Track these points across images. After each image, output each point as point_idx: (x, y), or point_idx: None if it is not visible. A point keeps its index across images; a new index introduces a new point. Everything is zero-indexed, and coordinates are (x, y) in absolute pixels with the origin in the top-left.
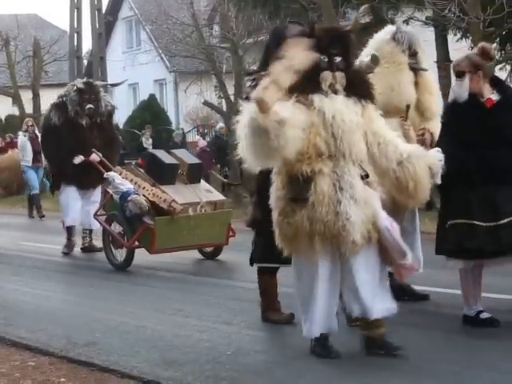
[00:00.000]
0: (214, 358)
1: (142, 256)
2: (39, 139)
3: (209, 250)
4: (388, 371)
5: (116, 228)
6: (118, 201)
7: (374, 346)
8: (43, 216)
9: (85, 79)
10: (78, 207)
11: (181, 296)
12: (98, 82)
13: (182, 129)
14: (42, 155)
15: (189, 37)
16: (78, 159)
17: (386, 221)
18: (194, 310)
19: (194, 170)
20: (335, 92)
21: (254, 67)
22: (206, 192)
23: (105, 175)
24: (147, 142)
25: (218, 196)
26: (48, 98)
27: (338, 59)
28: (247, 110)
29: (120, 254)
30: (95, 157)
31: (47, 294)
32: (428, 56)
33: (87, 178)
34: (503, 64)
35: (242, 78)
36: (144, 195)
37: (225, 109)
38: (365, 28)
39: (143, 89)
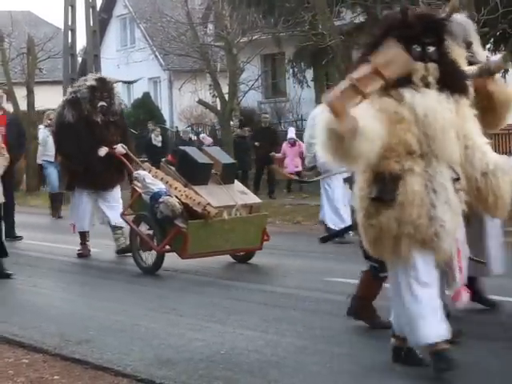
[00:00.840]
0: (207, 357)
1: None
2: None
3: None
4: (381, 372)
5: (144, 229)
6: (148, 201)
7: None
8: (60, 217)
9: (97, 75)
10: (88, 211)
11: (175, 295)
12: (112, 79)
13: (176, 127)
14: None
15: (183, 35)
16: (103, 151)
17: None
18: (187, 308)
19: (228, 169)
20: (427, 85)
21: (247, 66)
22: (240, 194)
23: (134, 174)
24: (156, 138)
25: (253, 198)
26: (42, 96)
27: (431, 49)
28: (325, 109)
29: (148, 257)
30: (121, 149)
31: (42, 292)
32: None
33: (102, 178)
34: None
35: (236, 76)
36: (176, 196)
37: (219, 107)
38: (358, 28)
39: (137, 87)
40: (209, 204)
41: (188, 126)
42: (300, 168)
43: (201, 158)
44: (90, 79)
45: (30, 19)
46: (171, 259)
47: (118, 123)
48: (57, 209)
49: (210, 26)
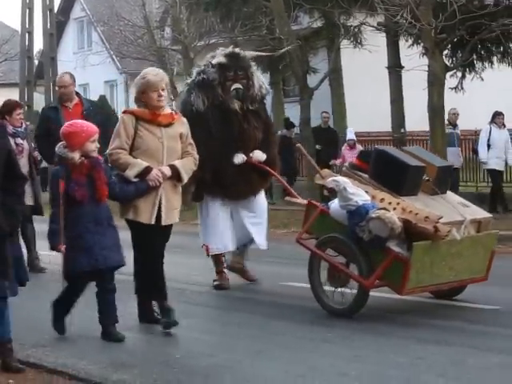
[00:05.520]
0: (162, 361)
1: None
2: None
3: None
4: (337, 377)
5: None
6: (347, 218)
7: None
8: None
9: (229, 49)
10: (227, 227)
11: (130, 298)
12: (248, 53)
13: None
14: None
15: (140, 38)
16: (240, 158)
17: None
18: None
19: (443, 174)
20: None
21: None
22: (462, 206)
23: (330, 181)
24: None
25: (480, 212)
26: None
27: None
28: None
29: (334, 294)
30: (261, 155)
31: None
32: (379, 62)
33: (240, 184)
34: (454, 71)
35: None
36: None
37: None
38: (315, 32)
39: (94, 90)
40: (440, 219)
41: None
42: None
43: (410, 160)
44: (219, 55)
45: None
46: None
47: (261, 113)
48: None
49: (168, 30)
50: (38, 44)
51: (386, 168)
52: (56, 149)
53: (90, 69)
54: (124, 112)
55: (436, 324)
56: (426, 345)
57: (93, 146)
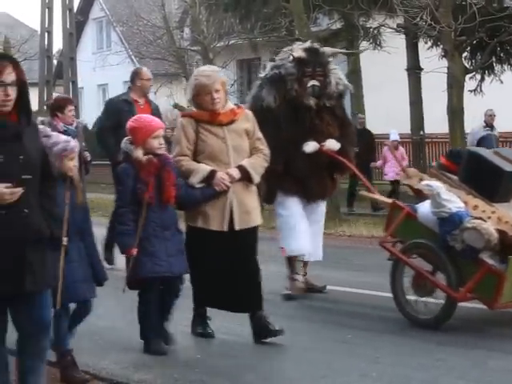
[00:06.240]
0: (183, 361)
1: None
2: None
3: None
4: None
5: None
6: (438, 225)
7: None
8: None
9: (307, 44)
10: (306, 228)
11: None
12: (327, 49)
13: None
14: None
15: (159, 39)
16: (311, 146)
17: None
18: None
19: None
20: None
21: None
22: None
23: (422, 185)
24: None
25: None
26: None
27: None
28: None
29: (417, 303)
30: (334, 144)
31: None
32: (398, 64)
33: (315, 185)
34: (473, 73)
35: None
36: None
37: None
38: (335, 34)
39: (112, 90)
40: None
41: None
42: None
43: (505, 165)
44: (298, 49)
45: (6, 21)
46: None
47: (337, 111)
48: None
49: (187, 31)
50: (58, 44)
51: (478, 171)
52: (122, 144)
53: (109, 69)
54: (182, 116)
55: (456, 326)
56: (446, 347)
57: (155, 143)
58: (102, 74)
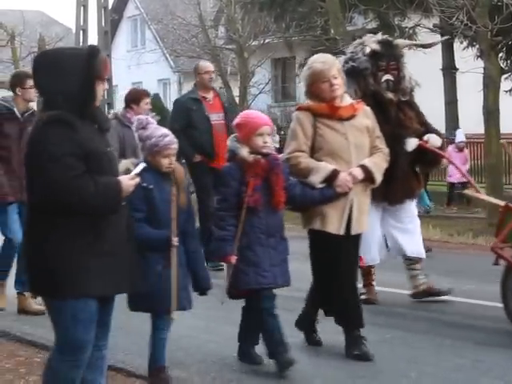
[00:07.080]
0: (220, 359)
1: None
2: None
3: None
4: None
5: None
6: None
7: None
8: None
9: (380, 36)
10: (376, 237)
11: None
12: (400, 41)
13: None
14: None
15: (194, 37)
16: (413, 143)
17: None
18: (201, 311)
19: None
20: None
21: (257, 69)
22: None
23: None
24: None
25: None
26: None
27: None
28: None
29: None
30: (436, 139)
31: None
32: (434, 63)
33: (397, 183)
34: (509, 74)
35: (246, 79)
36: None
37: None
38: (371, 33)
39: (147, 88)
40: None
41: None
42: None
43: None
44: (371, 41)
45: (41, 19)
46: None
47: (412, 104)
48: None
49: (222, 29)
50: (92, 42)
51: None
52: (228, 142)
53: (143, 67)
54: (298, 109)
55: (492, 326)
56: (485, 347)
57: (260, 141)
58: (136, 72)
